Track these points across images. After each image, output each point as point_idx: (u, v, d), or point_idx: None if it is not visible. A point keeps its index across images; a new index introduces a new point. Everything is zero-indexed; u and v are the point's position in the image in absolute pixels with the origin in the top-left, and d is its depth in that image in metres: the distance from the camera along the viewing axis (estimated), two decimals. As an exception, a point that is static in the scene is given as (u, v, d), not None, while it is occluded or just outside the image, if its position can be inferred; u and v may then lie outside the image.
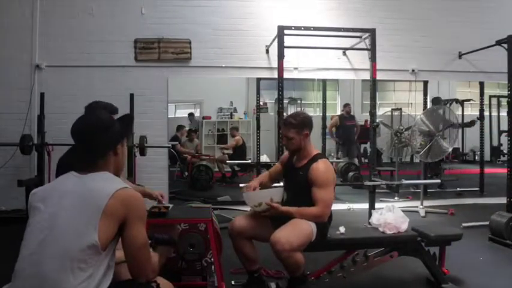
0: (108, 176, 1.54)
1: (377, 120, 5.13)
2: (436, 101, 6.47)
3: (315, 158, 2.72)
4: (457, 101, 7.84)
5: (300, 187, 2.69)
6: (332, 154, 8.00)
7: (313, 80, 7.32)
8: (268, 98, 8.49)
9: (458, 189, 6.67)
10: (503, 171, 4.51)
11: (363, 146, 8.17)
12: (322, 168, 2.66)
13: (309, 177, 2.65)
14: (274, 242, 2.47)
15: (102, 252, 1.41)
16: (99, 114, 1.74)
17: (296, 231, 2.53)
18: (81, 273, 1.36)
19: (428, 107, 6.42)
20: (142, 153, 5.03)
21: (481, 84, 6.82)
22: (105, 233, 1.40)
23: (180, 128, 8.32)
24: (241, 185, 5.25)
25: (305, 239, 2.54)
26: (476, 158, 7.91)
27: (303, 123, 2.74)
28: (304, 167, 2.73)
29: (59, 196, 1.46)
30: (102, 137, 1.58)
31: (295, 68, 5.75)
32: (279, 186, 2.77)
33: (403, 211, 3.07)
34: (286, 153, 3.00)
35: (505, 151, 5.59)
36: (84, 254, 1.37)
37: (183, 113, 9.25)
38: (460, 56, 6.09)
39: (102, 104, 2.50)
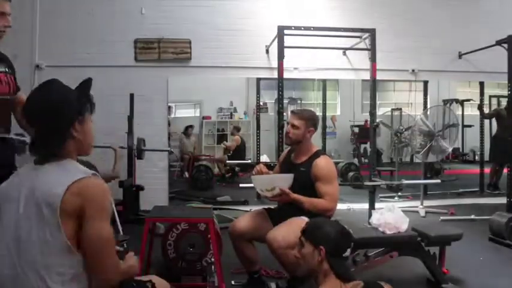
0: (64, 167, 1.36)
1: (377, 120, 5.13)
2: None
3: (317, 154, 2.74)
4: (457, 101, 7.84)
5: (302, 183, 2.67)
6: (332, 154, 8.00)
7: (313, 80, 7.32)
8: (268, 98, 8.48)
9: (460, 190, 6.68)
10: (503, 171, 4.52)
11: (363, 146, 8.17)
12: (325, 164, 2.68)
13: (313, 172, 2.66)
14: (270, 240, 2.47)
15: (78, 252, 1.30)
16: (50, 89, 1.41)
17: (293, 229, 2.52)
18: (61, 277, 1.28)
19: (428, 107, 6.42)
20: (140, 156, 4.97)
21: (481, 84, 6.83)
22: (72, 232, 1.29)
23: (188, 129, 8.34)
24: (241, 185, 5.30)
25: None
26: (476, 158, 7.91)
27: (311, 118, 2.80)
28: (305, 163, 2.73)
29: (18, 200, 1.33)
30: (52, 121, 1.36)
31: (295, 68, 5.75)
32: (289, 173, 2.74)
33: (403, 211, 3.07)
34: (284, 152, 3.01)
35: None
36: (58, 258, 1.28)
37: (183, 113, 9.26)
38: (460, 56, 6.09)
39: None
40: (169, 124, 7.37)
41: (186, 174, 7.93)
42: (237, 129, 8.62)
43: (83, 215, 1.30)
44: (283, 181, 2.63)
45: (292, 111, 2.93)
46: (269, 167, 3.41)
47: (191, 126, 8.47)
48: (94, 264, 1.31)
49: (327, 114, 7.71)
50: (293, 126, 2.76)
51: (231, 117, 9.19)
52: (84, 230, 1.30)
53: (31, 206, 1.30)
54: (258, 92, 7.26)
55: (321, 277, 1.72)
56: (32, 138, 1.45)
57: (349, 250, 1.77)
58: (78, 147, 1.43)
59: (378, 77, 5.00)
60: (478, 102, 6.85)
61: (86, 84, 1.47)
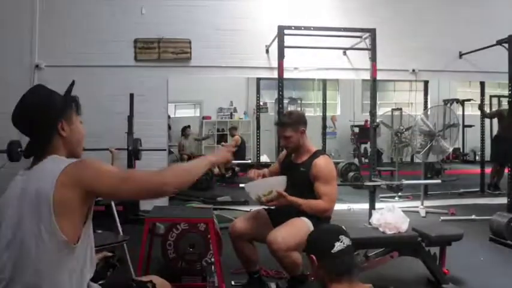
0: (50, 162, 1.35)
1: (377, 120, 5.13)
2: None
3: (316, 154, 2.73)
4: (457, 101, 7.84)
5: (301, 183, 2.67)
6: (332, 154, 8.00)
7: (313, 80, 7.33)
8: (268, 98, 8.50)
9: (461, 190, 6.68)
10: (505, 171, 4.52)
11: (363, 146, 8.17)
12: (325, 164, 2.67)
13: (312, 173, 2.65)
14: (270, 242, 2.47)
15: (76, 245, 1.30)
16: (35, 93, 1.45)
17: (293, 230, 2.53)
18: (58, 274, 1.28)
19: (428, 107, 6.42)
20: (137, 157, 4.93)
21: (482, 84, 6.82)
22: (69, 226, 1.28)
23: (186, 129, 8.33)
24: (241, 185, 5.29)
25: (302, 238, 2.51)
26: (477, 158, 7.90)
27: (297, 120, 2.76)
28: (305, 163, 2.72)
29: (15, 203, 1.33)
30: (37, 121, 1.39)
31: (295, 68, 5.74)
32: (282, 175, 2.71)
33: (403, 211, 3.06)
34: (282, 153, 3.00)
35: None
36: (55, 254, 1.27)
37: (183, 113, 9.26)
38: (461, 55, 6.08)
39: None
40: (169, 127, 7.41)
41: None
42: (235, 129, 8.62)
43: (86, 190, 1.29)
44: (278, 184, 2.61)
45: (276, 124, 2.88)
46: (269, 166, 3.39)
47: (188, 127, 8.47)
48: (139, 191, 1.37)
49: (327, 114, 7.70)
50: (285, 137, 2.74)
51: (231, 117, 9.20)
52: (99, 192, 1.33)
53: (25, 206, 1.31)
54: (258, 92, 7.26)
55: (328, 285, 1.66)
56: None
57: (338, 244, 1.64)
58: (67, 147, 1.44)
59: (378, 77, 4.99)
60: (479, 102, 6.85)
61: (70, 86, 1.51)
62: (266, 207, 2.94)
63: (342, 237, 1.68)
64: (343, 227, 1.81)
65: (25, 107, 1.42)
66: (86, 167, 1.33)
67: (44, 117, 1.40)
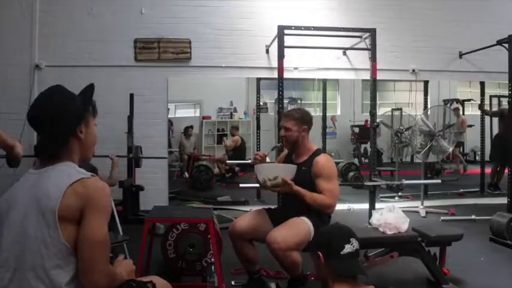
0: (63, 169, 1.38)
1: (377, 120, 5.13)
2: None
3: (317, 153, 2.75)
4: (457, 101, 7.84)
5: (303, 182, 2.66)
6: (333, 154, 8.00)
7: (313, 80, 7.32)
8: (268, 98, 8.48)
9: (461, 190, 6.67)
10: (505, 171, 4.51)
11: (363, 146, 8.17)
12: (326, 162, 2.70)
13: (314, 170, 2.66)
14: (270, 241, 2.47)
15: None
16: (56, 93, 1.46)
17: (293, 230, 2.53)
18: (60, 279, 1.30)
19: (428, 107, 6.42)
20: (138, 164, 4.93)
21: (482, 84, 6.81)
22: (72, 235, 1.30)
23: (188, 129, 8.31)
24: (242, 185, 5.28)
25: (302, 238, 2.53)
26: (477, 158, 7.90)
27: (303, 117, 2.79)
28: (306, 162, 2.73)
29: (21, 205, 1.34)
30: (58, 122, 1.39)
31: (295, 68, 5.74)
32: (293, 164, 2.72)
33: (403, 211, 3.06)
34: (283, 152, 3.01)
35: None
36: (58, 260, 1.29)
37: (183, 113, 9.26)
38: (461, 55, 6.08)
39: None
40: (171, 123, 7.37)
41: (186, 175, 7.93)
42: (236, 128, 8.62)
43: (81, 214, 1.31)
44: (287, 171, 2.63)
45: (284, 114, 2.93)
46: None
47: (191, 127, 8.47)
48: (83, 264, 1.30)
49: (327, 114, 7.69)
50: (286, 128, 2.77)
51: (231, 117, 9.19)
52: (80, 227, 1.31)
53: (32, 210, 1.32)
54: (258, 92, 7.26)
55: (330, 284, 1.65)
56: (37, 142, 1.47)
57: (348, 246, 1.63)
58: (81, 149, 1.47)
59: (378, 77, 4.99)
60: (479, 102, 6.84)
61: (89, 89, 1.52)
62: (266, 207, 2.95)
63: (353, 240, 1.67)
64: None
65: (46, 109, 1.41)
66: (94, 196, 1.32)
67: (66, 121, 1.41)
